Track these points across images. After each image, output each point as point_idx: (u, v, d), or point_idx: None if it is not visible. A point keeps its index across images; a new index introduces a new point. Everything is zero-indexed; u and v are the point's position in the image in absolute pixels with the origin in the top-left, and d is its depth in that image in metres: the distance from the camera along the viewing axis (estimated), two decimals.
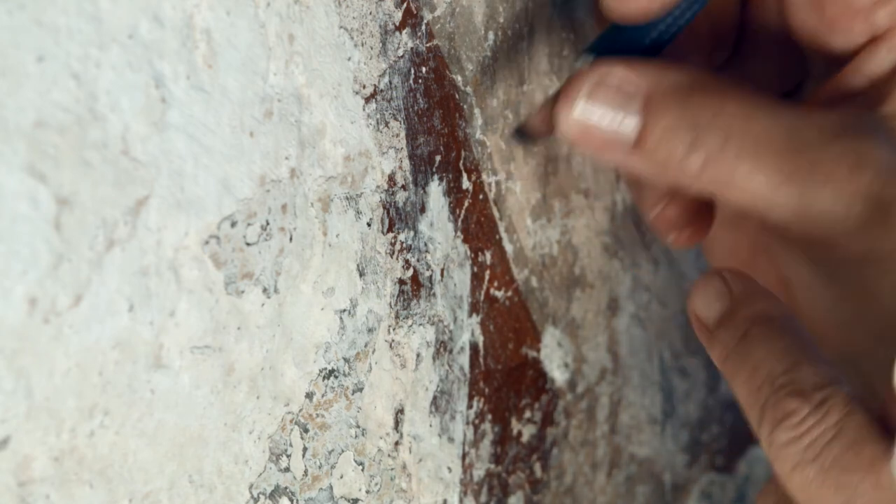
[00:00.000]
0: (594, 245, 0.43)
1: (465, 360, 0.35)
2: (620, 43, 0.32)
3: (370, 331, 0.31)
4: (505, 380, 0.38)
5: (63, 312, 0.23)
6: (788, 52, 0.35)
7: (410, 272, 0.32)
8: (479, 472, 0.37)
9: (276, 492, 0.29)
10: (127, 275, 0.24)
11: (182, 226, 0.25)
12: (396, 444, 0.33)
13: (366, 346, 0.31)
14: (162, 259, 0.25)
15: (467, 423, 0.36)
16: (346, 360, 0.30)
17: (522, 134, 0.34)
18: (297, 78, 0.28)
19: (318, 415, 0.30)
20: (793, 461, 0.28)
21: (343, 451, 0.31)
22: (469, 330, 0.35)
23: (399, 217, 0.32)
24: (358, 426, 0.31)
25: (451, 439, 0.35)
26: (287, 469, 0.29)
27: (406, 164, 0.32)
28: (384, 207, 0.31)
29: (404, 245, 0.32)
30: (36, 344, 0.22)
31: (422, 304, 0.33)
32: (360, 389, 0.31)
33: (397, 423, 0.33)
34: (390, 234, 0.32)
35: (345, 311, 0.30)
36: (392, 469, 0.33)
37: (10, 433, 0.22)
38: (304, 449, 0.30)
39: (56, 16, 0.22)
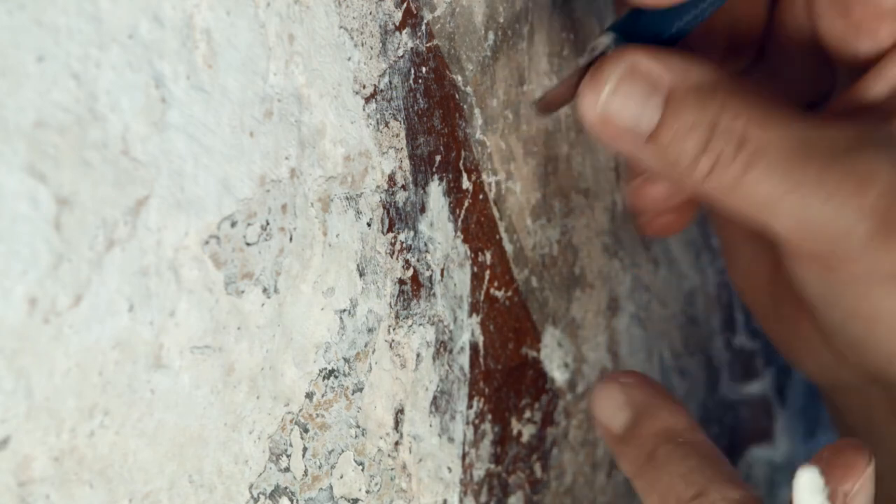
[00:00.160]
0: (594, 245, 0.43)
1: (465, 360, 0.35)
2: (642, 27, 0.31)
3: (370, 331, 0.31)
4: (505, 380, 0.38)
5: (63, 312, 0.23)
6: (816, 58, 0.35)
7: (410, 272, 0.33)
8: (479, 472, 0.37)
9: (276, 492, 0.29)
10: (127, 275, 0.24)
11: (182, 226, 0.25)
12: (396, 444, 0.33)
13: (366, 346, 0.31)
14: (162, 259, 0.25)
15: (467, 423, 0.36)
16: (346, 360, 0.30)
17: (544, 107, 0.34)
18: (297, 78, 0.28)
19: (318, 415, 0.30)
20: None
21: (343, 451, 0.31)
22: (469, 330, 0.35)
23: (399, 217, 0.32)
24: (358, 426, 0.31)
25: (451, 439, 0.35)
26: (287, 469, 0.29)
27: (406, 164, 0.32)
28: (384, 207, 0.31)
29: (404, 245, 0.32)
30: (36, 344, 0.22)
31: (422, 304, 0.33)
32: (360, 389, 0.31)
33: (397, 423, 0.33)
34: (390, 234, 0.32)
35: (345, 311, 0.30)
36: (392, 469, 0.33)
37: (10, 433, 0.22)
38: (304, 449, 0.30)
39: (56, 16, 0.22)
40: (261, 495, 0.28)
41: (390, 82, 0.31)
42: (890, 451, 0.35)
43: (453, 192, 0.34)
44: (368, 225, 0.31)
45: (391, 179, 0.31)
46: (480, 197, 0.35)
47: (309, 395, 0.30)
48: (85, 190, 0.23)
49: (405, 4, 0.31)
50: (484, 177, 0.35)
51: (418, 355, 0.33)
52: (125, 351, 0.24)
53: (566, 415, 0.42)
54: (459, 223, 0.34)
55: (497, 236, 0.37)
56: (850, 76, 0.33)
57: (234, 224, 0.26)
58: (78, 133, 0.22)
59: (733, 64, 0.36)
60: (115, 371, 0.24)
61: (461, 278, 0.35)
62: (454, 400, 0.35)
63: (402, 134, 0.32)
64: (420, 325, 0.33)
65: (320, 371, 0.30)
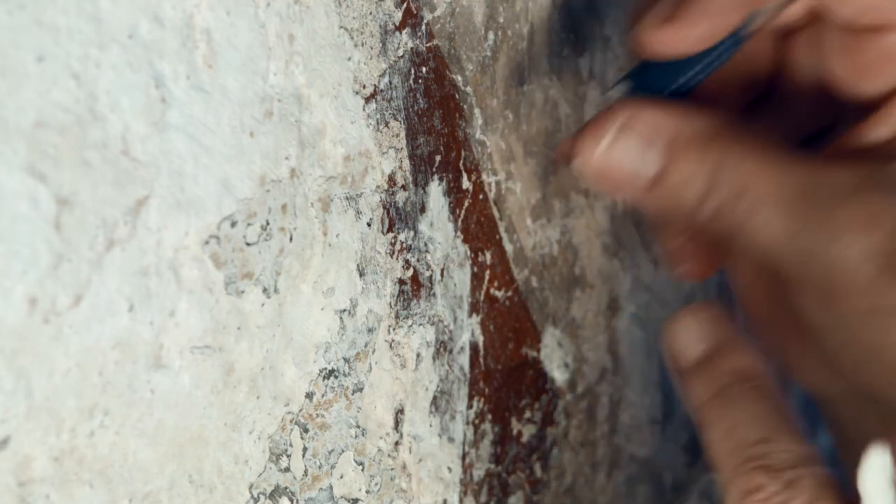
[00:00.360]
0: (594, 245, 0.43)
1: (465, 360, 0.35)
2: (654, 77, 0.32)
3: (370, 331, 0.31)
4: (505, 380, 0.38)
5: (63, 312, 0.23)
6: (821, 96, 0.35)
7: (410, 272, 0.32)
8: (479, 472, 0.37)
9: (276, 492, 0.29)
10: (127, 275, 0.24)
11: (182, 226, 0.25)
12: (396, 444, 0.33)
13: (366, 346, 0.31)
14: (162, 259, 0.25)
15: (467, 423, 0.36)
16: (346, 360, 0.30)
17: (563, 157, 0.35)
18: (297, 78, 0.28)
19: (318, 415, 0.30)
20: None
21: (343, 451, 0.31)
22: (469, 330, 0.35)
23: (399, 217, 0.32)
24: (358, 426, 0.31)
25: (451, 439, 0.35)
26: (287, 469, 0.29)
27: (406, 164, 0.32)
28: (384, 207, 0.31)
29: (404, 245, 0.32)
30: (36, 344, 0.22)
31: (422, 304, 0.33)
32: (360, 389, 0.31)
33: (397, 423, 0.33)
34: (390, 234, 0.32)
35: (345, 311, 0.30)
36: (392, 469, 0.33)
37: (10, 433, 0.22)
38: (304, 449, 0.30)
39: (56, 16, 0.22)
40: (261, 495, 0.28)
41: (390, 82, 0.31)
42: None
43: (453, 192, 0.34)
44: (368, 225, 0.31)
45: (391, 179, 0.31)
46: (480, 197, 0.35)
47: (309, 395, 0.30)
48: (85, 190, 0.23)
49: (405, 4, 0.31)
50: (484, 177, 0.35)
51: (418, 355, 0.33)
52: (125, 351, 0.24)
53: (566, 415, 0.42)
54: (459, 223, 0.34)
55: (497, 236, 0.37)
56: (856, 114, 0.34)
57: (234, 224, 0.26)
58: (78, 133, 0.22)
59: (743, 101, 0.36)
60: (115, 371, 0.24)
61: (461, 278, 0.35)
62: (454, 400, 0.35)
63: (402, 134, 0.32)
64: (420, 325, 0.33)
65: (320, 371, 0.30)
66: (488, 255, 0.36)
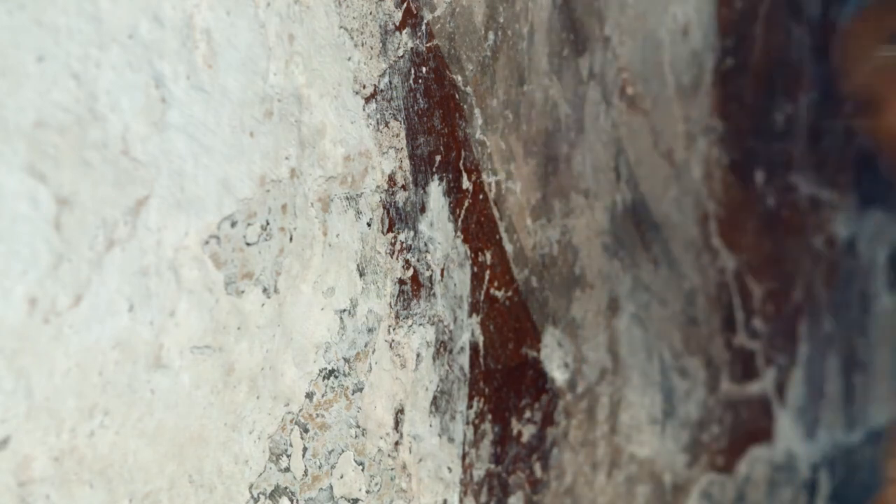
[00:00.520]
0: (594, 245, 0.43)
1: (465, 360, 0.35)
2: None
3: (370, 331, 0.31)
4: (505, 380, 0.38)
5: (63, 312, 0.23)
6: None
7: (410, 272, 0.33)
8: (479, 472, 0.37)
9: (276, 492, 0.29)
10: (127, 275, 0.24)
11: (182, 226, 0.25)
12: (396, 444, 0.33)
13: (366, 346, 0.31)
14: (162, 259, 0.25)
15: (467, 423, 0.36)
16: (346, 360, 0.30)
17: None
18: (297, 78, 0.28)
19: (318, 415, 0.30)
20: None
21: (343, 451, 0.31)
22: (469, 330, 0.35)
23: (399, 217, 0.32)
24: (358, 426, 0.31)
25: (451, 439, 0.35)
26: (287, 469, 0.29)
27: (406, 164, 0.32)
28: (384, 207, 0.31)
29: (404, 245, 0.32)
30: (36, 344, 0.22)
31: (422, 304, 0.33)
32: (360, 389, 0.31)
33: (397, 423, 0.33)
34: (390, 234, 0.32)
35: (345, 311, 0.30)
36: (392, 469, 0.33)
37: (10, 433, 0.22)
38: (304, 449, 0.30)
39: (56, 16, 0.22)
40: (261, 495, 0.28)
41: (390, 82, 0.31)
42: None
43: (453, 192, 0.34)
44: (368, 225, 0.31)
45: (391, 179, 0.31)
46: (480, 197, 0.35)
47: (309, 395, 0.30)
48: (85, 190, 0.23)
49: (405, 4, 0.31)
50: (484, 177, 0.35)
51: (418, 355, 0.33)
52: (125, 351, 0.24)
53: (566, 415, 0.42)
54: (459, 223, 0.34)
55: (497, 236, 0.37)
56: None
57: (234, 224, 0.26)
58: (78, 133, 0.22)
59: None
60: (115, 371, 0.24)
61: (461, 278, 0.35)
62: (454, 400, 0.35)
63: (402, 134, 0.32)
64: (420, 325, 0.33)
65: (320, 371, 0.30)
66: (488, 255, 0.36)
